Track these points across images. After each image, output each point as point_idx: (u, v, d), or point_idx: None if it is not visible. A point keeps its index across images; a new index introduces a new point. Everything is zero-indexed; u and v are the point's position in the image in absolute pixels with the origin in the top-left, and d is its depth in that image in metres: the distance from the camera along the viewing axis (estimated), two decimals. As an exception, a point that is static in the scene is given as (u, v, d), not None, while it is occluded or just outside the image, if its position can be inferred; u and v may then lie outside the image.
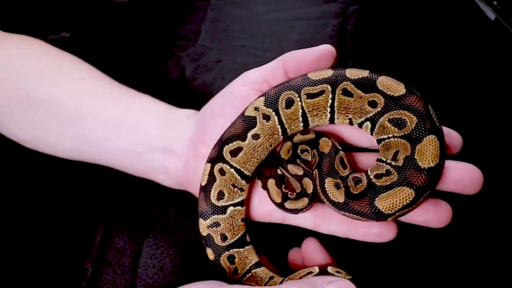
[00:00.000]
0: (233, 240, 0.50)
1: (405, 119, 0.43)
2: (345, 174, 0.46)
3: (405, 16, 0.82)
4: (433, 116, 0.43)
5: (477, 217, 0.60)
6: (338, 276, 0.45)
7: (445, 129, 0.46)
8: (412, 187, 0.41)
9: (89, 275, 0.59)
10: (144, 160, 0.57)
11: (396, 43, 0.78)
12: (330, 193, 0.44)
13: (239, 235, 0.50)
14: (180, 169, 0.54)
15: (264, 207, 0.51)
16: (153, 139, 0.56)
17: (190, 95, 0.75)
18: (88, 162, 0.63)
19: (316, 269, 0.47)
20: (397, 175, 0.42)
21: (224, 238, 0.49)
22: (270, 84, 0.49)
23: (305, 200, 0.47)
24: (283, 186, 0.50)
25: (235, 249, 0.50)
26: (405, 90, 0.43)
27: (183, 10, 0.86)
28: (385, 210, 0.42)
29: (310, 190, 0.47)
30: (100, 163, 0.62)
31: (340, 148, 0.47)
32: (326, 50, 0.46)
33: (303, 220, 0.50)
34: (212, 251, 0.49)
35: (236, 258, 0.50)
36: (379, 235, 0.47)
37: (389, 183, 0.42)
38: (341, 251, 0.60)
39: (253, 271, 0.50)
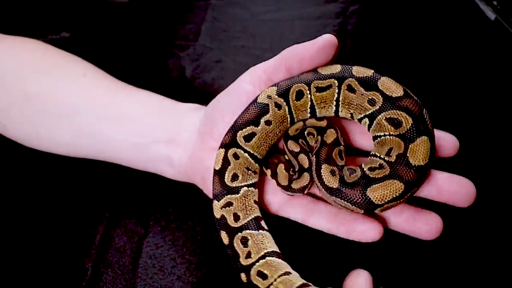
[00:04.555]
0: (246, 221, 0.49)
1: (401, 120, 0.46)
2: (341, 164, 0.48)
3: (405, 16, 0.82)
4: (426, 119, 0.46)
5: (475, 219, 0.60)
6: None
7: (441, 132, 0.48)
8: (402, 181, 0.44)
9: (89, 275, 0.59)
10: (144, 151, 0.57)
11: (396, 43, 0.78)
12: (325, 178, 0.47)
13: (252, 216, 0.50)
14: (185, 159, 0.55)
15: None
16: (153, 129, 0.57)
17: (190, 95, 0.75)
18: (85, 158, 0.62)
19: None
20: (389, 169, 0.45)
21: (236, 218, 0.49)
22: (274, 81, 0.50)
23: (306, 176, 0.50)
24: (291, 169, 0.52)
25: (248, 231, 0.49)
26: (403, 92, 0.46)
27: (183, 10, 0.86)
28: (375, 200, 0.44)
29: (306, 165, 0.50)
30: (97, 158, 0.61)
31: (342, 143, 0.50)
32: (326, 41, 0.47)
33: (294, 212, 0.51)
34: (226, 233, 0.49)
35: (250, 241, 0.48)
36: (362, 233, 0.47)
37: (381, 175, 0.45)
38: (337, 253, 0.60)
39: (268, 258, 0.47)
